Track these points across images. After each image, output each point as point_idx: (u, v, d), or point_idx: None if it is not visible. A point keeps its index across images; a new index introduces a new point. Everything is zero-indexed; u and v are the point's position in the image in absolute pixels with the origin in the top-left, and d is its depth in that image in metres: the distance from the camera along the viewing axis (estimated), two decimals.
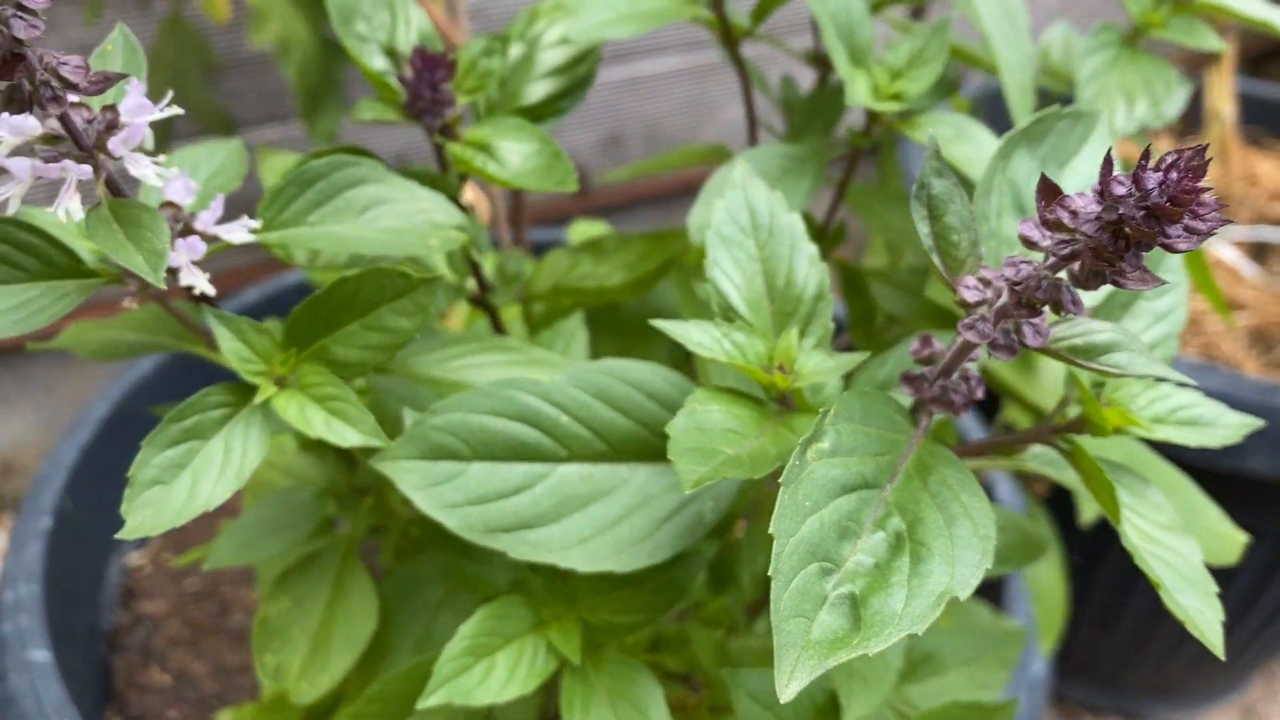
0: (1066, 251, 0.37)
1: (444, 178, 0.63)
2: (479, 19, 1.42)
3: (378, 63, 0.61)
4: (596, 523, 0.52)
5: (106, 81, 0.43)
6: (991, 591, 0.86)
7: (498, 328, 0.73)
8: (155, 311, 0.57)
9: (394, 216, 0.54)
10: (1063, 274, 0.38)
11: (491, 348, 0.60)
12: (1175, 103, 0.69)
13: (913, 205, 0.42)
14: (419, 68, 0.58)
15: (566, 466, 0.53)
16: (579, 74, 0.66)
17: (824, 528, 0.39)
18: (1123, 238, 0.35)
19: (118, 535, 0.46)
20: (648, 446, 0.54)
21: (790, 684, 0.35)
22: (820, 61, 0.81)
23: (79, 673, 0.93)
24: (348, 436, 0.49)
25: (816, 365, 0.48)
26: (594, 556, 0.52)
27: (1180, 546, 0.47)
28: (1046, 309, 0.39)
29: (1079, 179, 0.52)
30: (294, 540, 0.64)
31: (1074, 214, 0.37)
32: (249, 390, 0.51)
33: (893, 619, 0.37)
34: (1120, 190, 0.35)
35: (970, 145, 0.62)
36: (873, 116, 0.65)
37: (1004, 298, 0.41)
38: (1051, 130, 0.51)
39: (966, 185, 0.76)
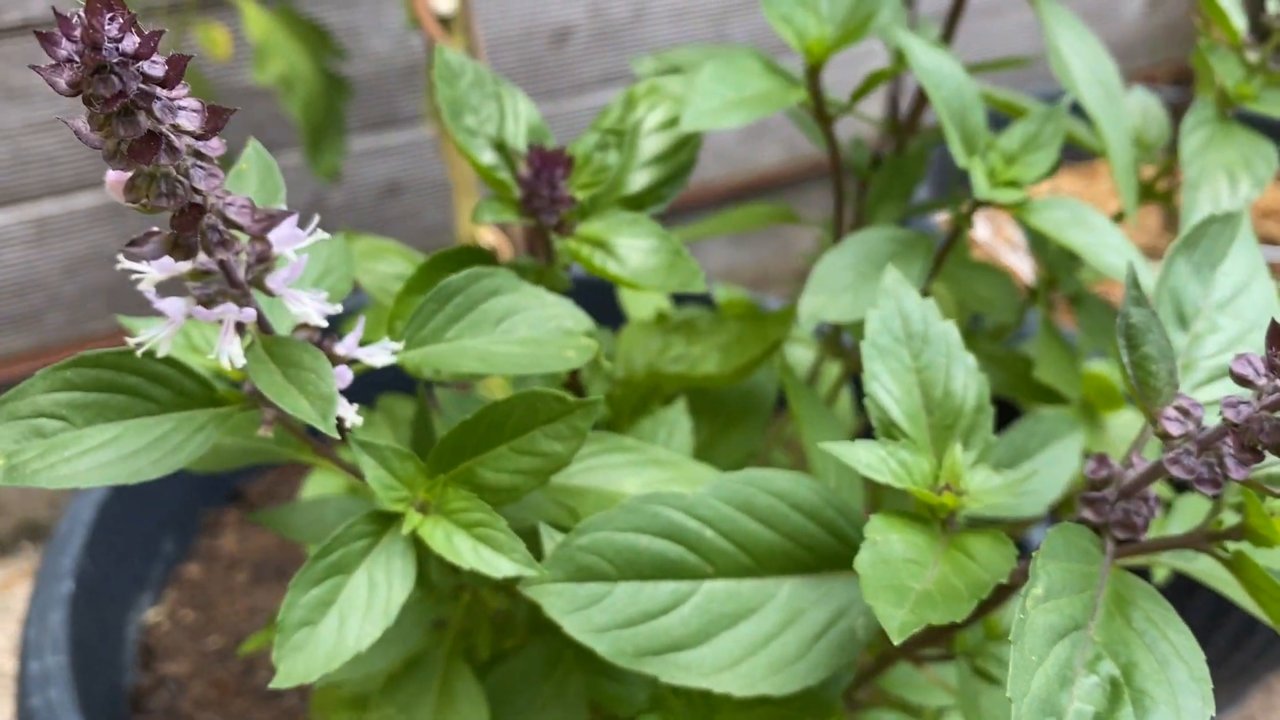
0: None
1: (551, 270, 0.61)
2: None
3: (487, 157, 0.59)
4: (746, 643, 0.51)
5: (271, 220, 0.41)
6: None
7: None
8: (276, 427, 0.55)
9: (528, 326, 0.52)
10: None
11: (613, 449, 0.58)
12: (1271, 174, 0.69)
13: (1117, 334, 0.41)
14: (537, 166, 0.57)
15: (712, 583, 0.52)
16: (680, 161, 0.65)
17: (1049, 681, 0.37)
18: None
19: (271, 685, 0.45)
20: (793, 559, 0.52)
21: None
22: (898, 130, 0.81)
23: None
24: (500, 566, 0.48)
25: (983, 484, 0.47)
26: (748, 680, 0.50)
27: None
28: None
29: (1230, 281, 0.51)
30: (403, 651, 0.62)
31: None
32: (391, 518, 0.49)
33: None
34: None
35: (1087, 231, 0.61)
36: (983, 202, 0.64)
37: (1203, 429, 0.40)
38: (1205, 235, 0.50)
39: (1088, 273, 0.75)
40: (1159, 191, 0.78)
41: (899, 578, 0.43)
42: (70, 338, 1.37)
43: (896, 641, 0.39)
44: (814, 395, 0.70)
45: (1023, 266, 1.42)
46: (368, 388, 0.66)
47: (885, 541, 0.45)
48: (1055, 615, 0.39)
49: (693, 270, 0.56)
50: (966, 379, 0.50)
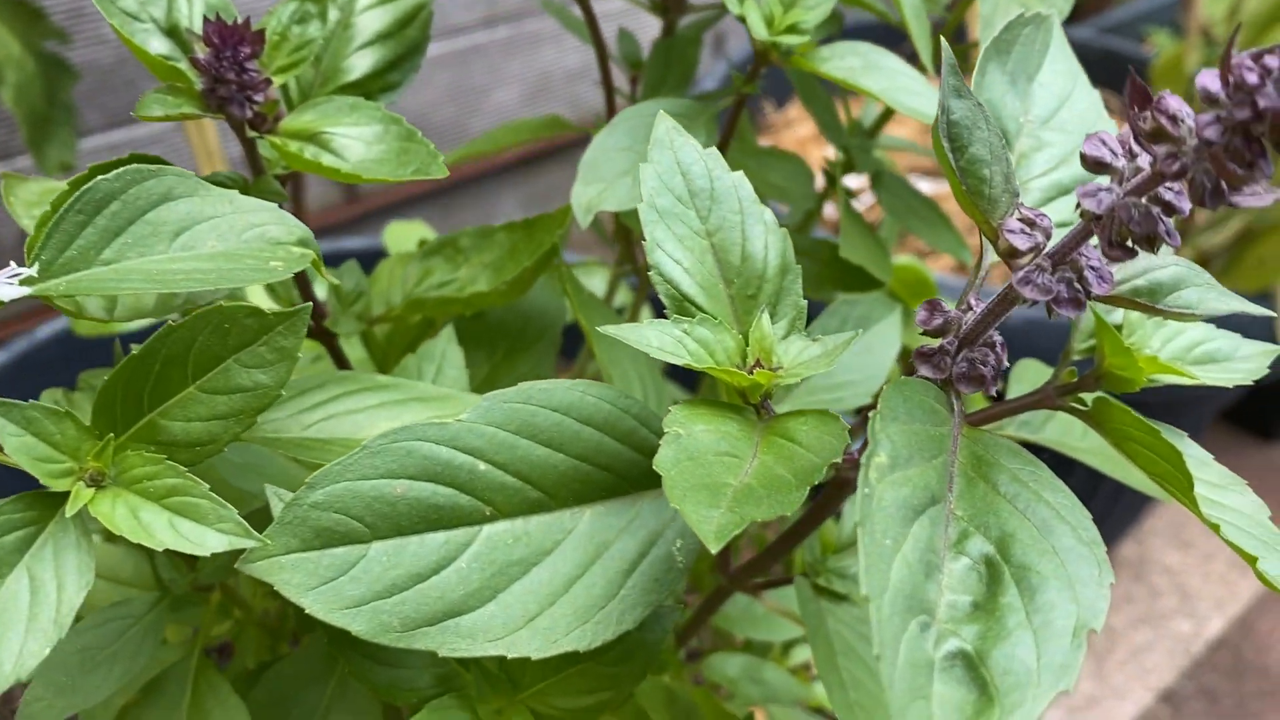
0: (1175, 167, 0.28)
1: (262, 182, 0.50)
2: None
3: (157, 45, 0.47)
4: (543, 592, 0.41)
5: None
6: None
7: (341, 364, 0.60)
8: None
9: (218, 236, 0.41)
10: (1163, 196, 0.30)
11: (365, 388, 0.47)
12: None
13: (934, 135, 0.33)
14: (217, 44, 0.45)
15: (493, 526, 0.42)
16: (410, 39, 0.54)
17: (911, 570, 0.29)
18: (1254, 140, 0.27)
19: None
20: (591, 484, 0.43)
21: None
22: (665, 9, 0.72)
23: None
24: (206, 541, 0.36)
25: (800, 356, 0.39)
26: (549, 636, 0.40)
27: (1243, 506, 0.40)
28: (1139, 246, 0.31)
29: (1050, 93, 0.44)
30: (131, 672, 0.50)
31: (1175, 120, 0.28)
32: (57, 499, 0.37)
33: (1029, 676, 0.28)
34: (1252, 78, 0.26)
35: (883, 76, 0.54)
36: (762, 56, 0.56)
37: (1052, 241, 0.33)
38: (1017, 40, 0.43)
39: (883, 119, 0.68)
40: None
41: (711, 474, 0.34)
42: None
43: (714, 548, 0.30)
44: (604, 307, 0.60)
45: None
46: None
47: (690, 435, 0.35)
48: (907, 488, 0.30)
49: (429, 153, 0.46)
50: (767, 238, 0.41)
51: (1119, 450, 0.41)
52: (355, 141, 0.47)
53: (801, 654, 0.81)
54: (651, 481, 0.44)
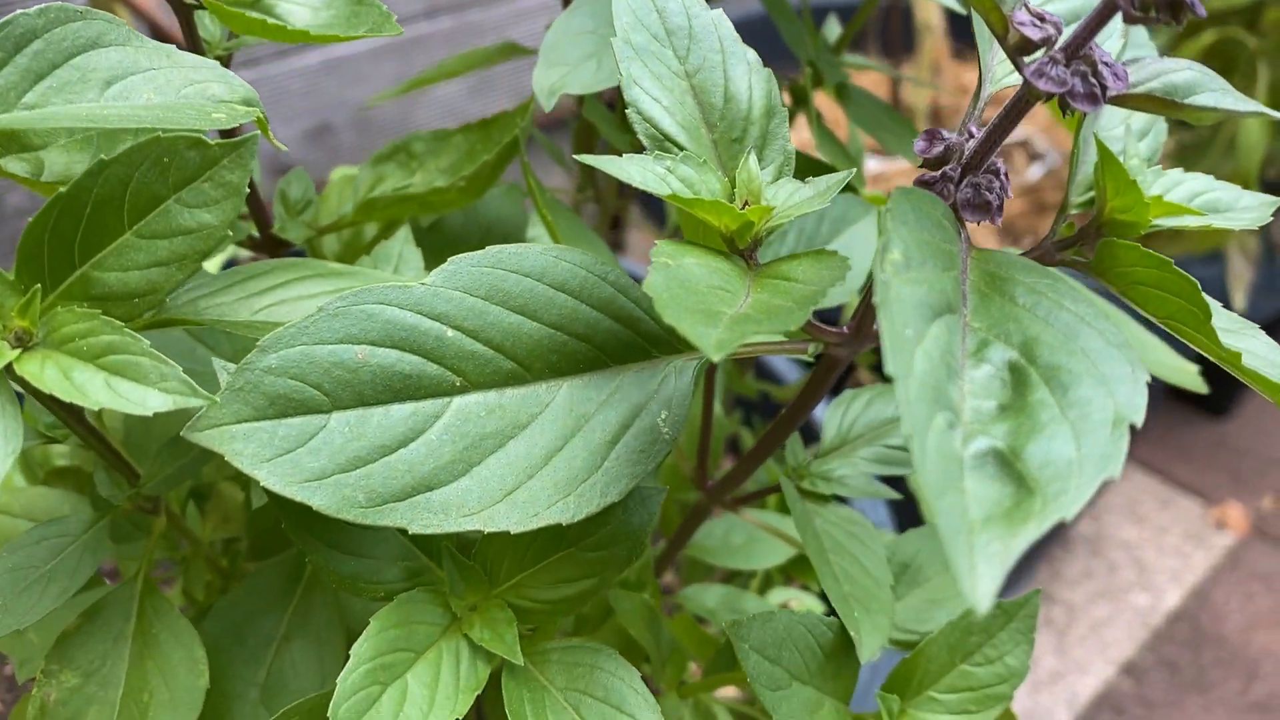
0: None
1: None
2: None
3: None
4: (521, 465, 0.38)
5: None
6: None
7: None
8: None
9: (154, 89, 0.37)
10: None
11: (315, 274, 0.44)
12: None
13: None
14: None
15: (464, 398, 0.39)
16: None
17: (933, 364, 0.26)
18: None
19: None
20: (568, 355, 0.40)
21: (978, 585, 0.23)
22: None
23: None
24: (147, 400, 0.33)
25: (791, 196, 0.36)
26: (528, 509, 0.37)
27: (1258, 347, 0.38)
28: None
29: None
30: (69, 593, 0.46)
31: None
32: None
33: (1069, 466, 0.25)
34: None
35: None
36: None
37: (1066, 34, 0.30)
38: None
39: None
40: None
41: (705, 302, 0.31)
42: None
43: (716, 356, 0.27)
44: (567, 209, 0.57)
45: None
46: None
47: (680, 266, 0.32)
48: (923, 288, 0.28)
49: (381, 14, 0.42)
50: (751, 78, 0.39)
51: (1127, 299, 0.39)
52: (300, 7, 0.43)
53: (779, 596, 0.78)
54: (632, 355, 0.42)
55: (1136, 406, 0.27)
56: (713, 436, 0.58)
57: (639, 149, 0.37)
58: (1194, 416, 2.12)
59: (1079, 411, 0.26)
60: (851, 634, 0.43)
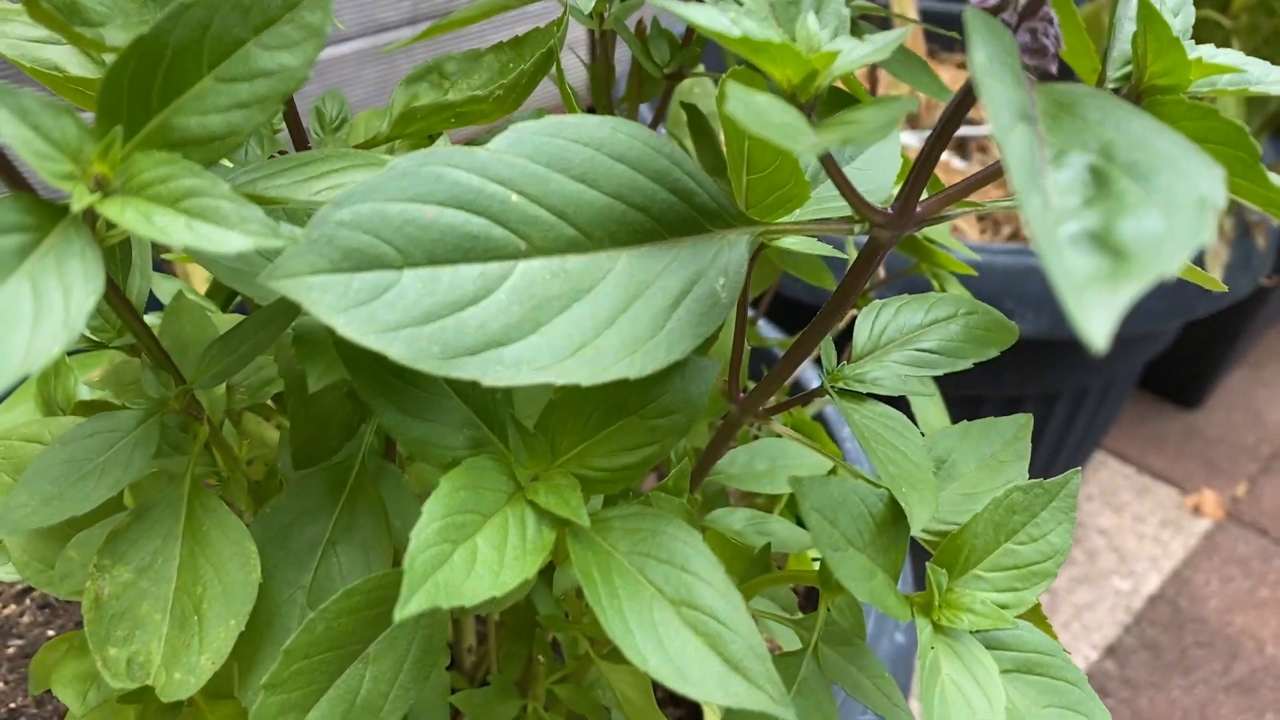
0: None
1: None
2: None
3: None
4: (587, 325, 0.39)
5: None
6: None
7: None
8: None
9: None
10: None
11: (366, 163, 0.44)
12: None
13: None
14: None
15: (529, 262, 0.39)
16: None
17: (1025, 143, 0.27)
18: None
19: None
20: (626, 225, 0.41)
21: (1093, 330, 0.24)
22: None
23: None
24: (230, 242, 0.33)
25: (852, 51, 0.37)
26: (596, 364, 0.38)
27: None
28: None
29: None
30: (121, 484, 0.46)
31: None
32: (56, 209, 0.33)
33: (1160, 237, 0.26)
34: None
35: None
36: None
37: None
38: None
39: None
40: None
41: (786, 129, 0.32)
42: None
43: (810, 155, 0.28)
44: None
45: None
46: None
47: (752, 99, 0.33)
48: (1008, 89, 0.29)
49: None
50: None
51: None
52: None
53: None
54: (689, 228, 0.42)
55: (1219, 193, 0.28)
56: (744, 350, 0.58)
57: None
58: (1166, 407, 2.15)
59: (1164, 196, 0.27)
60: (902, 505, 0.44)
